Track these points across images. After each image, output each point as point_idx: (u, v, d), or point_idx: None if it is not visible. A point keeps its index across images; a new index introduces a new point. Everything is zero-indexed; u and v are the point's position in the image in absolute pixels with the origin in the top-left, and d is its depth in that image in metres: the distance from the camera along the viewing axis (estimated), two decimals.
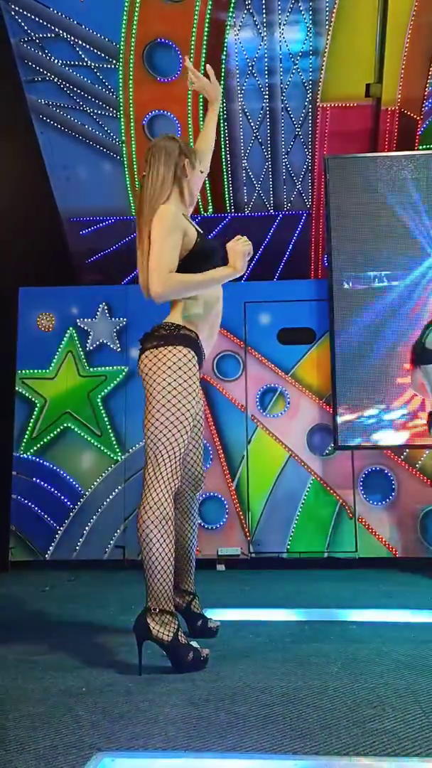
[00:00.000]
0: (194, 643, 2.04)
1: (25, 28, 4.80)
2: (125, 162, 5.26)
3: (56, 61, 4.93)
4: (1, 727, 1.53)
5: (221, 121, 5.17)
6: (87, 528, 4.68)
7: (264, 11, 4.81)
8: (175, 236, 2.11)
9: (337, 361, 4.53)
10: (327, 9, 4.78)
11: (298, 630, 2.57)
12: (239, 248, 2.14)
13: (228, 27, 4.87)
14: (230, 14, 4.82)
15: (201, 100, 5.08)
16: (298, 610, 2.98)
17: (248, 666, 2.03)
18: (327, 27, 4.84)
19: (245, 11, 4.82)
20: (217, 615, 2.90)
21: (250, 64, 5.01)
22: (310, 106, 5.14)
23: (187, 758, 1.36)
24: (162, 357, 2.09)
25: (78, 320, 4.94)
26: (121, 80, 5.01)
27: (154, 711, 1.62)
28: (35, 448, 4.82)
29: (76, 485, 4.76)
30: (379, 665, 2.02)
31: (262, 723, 1.53)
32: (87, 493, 4.73)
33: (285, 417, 4.76)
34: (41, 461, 4.80)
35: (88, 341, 4.91)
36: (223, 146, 5.27)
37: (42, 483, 4.77)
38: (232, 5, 4.79)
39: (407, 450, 4.59)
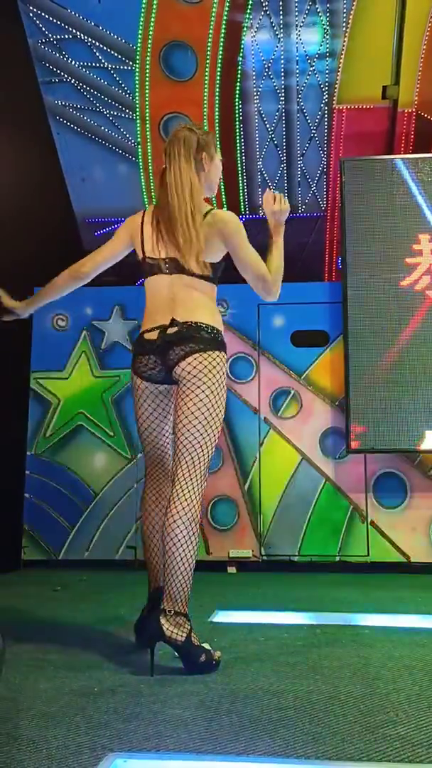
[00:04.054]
0: (206, 645, 2.04)
1: (43, 29, 4.83)
2: (141, 164, 5.28)
3: (73, 62, 4.95)
4: (13, 726, 1.54)
5: (237, 123, 5.17)
6: (99, 528, 4.70)
7: (281, 13, 4.81)
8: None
9: (351, 364, 4.51)
10: (344, 11, 4.77)
11: (310, 634, 2.56)
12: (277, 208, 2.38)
13: (245, 28, 4.87)
14: (247, 16, 4.82)
15: (217, 101, 5.08)
16: (309, 614, 2.97)
17: (260, 669, 2.02)
18: (344, 29, 4.83)
19: (262, 13, 4.82)
20: (228, 617, 2.90)
21: (266, 66, 5.01)
22: (326, 108, 5.13)
23: (199, 760, 1.36)
24: (213, 362, 2.13)
25: (92, 321, 4.96)
26: (137, 82, 5.02)
27: (166, 712, 1.62)
28: (48, 447, 4.84)
29: (89, 485, 4.77)
30: (391, 670, 2.01)
31: (273, 727, 1.52)
32: (99, 493, 4.74)
33: (298, 419, 4.74)
34: (54, 461, 4.82)
35: (102, 342, 4.93)
36: (238, 148, 5.27)
37: (55, 483, 4.79)
38: (249, 7, 4.79)
39: (420, 454, 4.56)
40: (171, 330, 2.17)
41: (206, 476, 2.14)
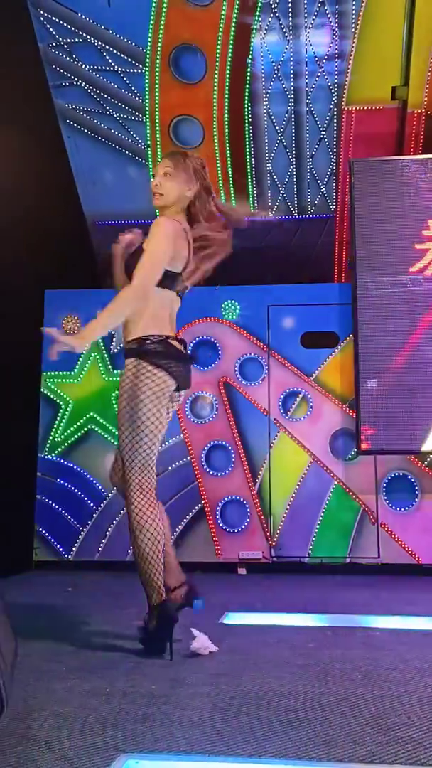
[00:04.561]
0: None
1: (53, 33, 4.85)
2: (150, 166, 5.29)
3: (83, 65, 4.98)
4: (27, 726, 1.55)
5: (246, 125, 5.18)
6: (110, 529, 4.71)
7: (290, 15, 4.81)
8: None
9: (361, 365, 4.50)
10: (353, 12, 4.77)
11: (321, 636, 2.56)
12: None
13: (254, 30, 4.87)
14: (256, 18, 4.83)
15: (227, 103, 5.09)
16: (320, 616, 2.97)
17: (271, 671, 2.03)
18: (353, 30, 4.82)
19: (271, 15, 4.82)
20: (238, 619, 2.91)
21: (275, 68, 5.01)
22: (336, 109, 5.12)
23: (211, 762, 1.36)
24: None
25: None
26: (147, 85, 5.04)
27: (178, 714, 1.63)
28: (59, 449, 4.86)
29: (99, 486, 4.79)
30: (403, 673, 2.01)
31: (285, 728, 1.52)
32: (110, 494, 4.75)
33: (308, 421, 4.74)
34: (65, 462, 4.84)
35: (113, 344, 4.95)
36: (247, 150, 5.28)
37: (66, 484, 4.81)
38: (258, 9, 4.80)
39: (431, 456, 4.54)
40: (183, 347, 2.37)
41: None
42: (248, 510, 4.66)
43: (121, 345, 2.33)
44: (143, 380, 2.23)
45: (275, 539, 4.61)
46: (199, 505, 4.69)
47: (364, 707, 1.68)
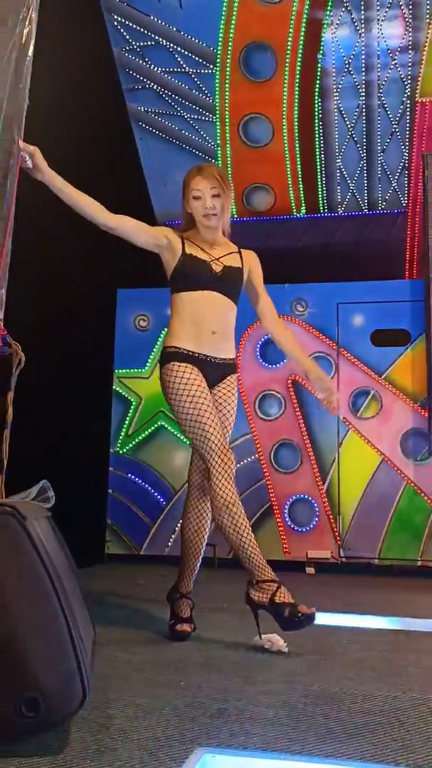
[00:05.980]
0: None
1: (127, 37, 4.95)
2: (220, 165, 5.32)
3: (155, 68, 5.05)
4: (106, 715, 1.59)
5: (316, 121, 5.14)
6: (179, 525, 4.77)
7: (362, 8, 4.74)
8: None
9: None
10: (428, 2, 4.65)
11: (394, 639, 2.53)
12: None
13: (325, 25, 4.83)
14: (327, 12, 4.78)
15: (296, 100, 5.06)
16: (392, 619, 2.92)
17: (344, 672, 2.02)
18: (427, 20, 4.71)
19: (343, 9, 4.76)
20: None
21: (346, 62, 4.95)
22: (408, 101, 5.02)
23: (288, 761, 1.37)
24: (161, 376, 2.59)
25: None
26: (217, 84, 5.06)
27: (252, 710, 1.64)
28: (131, 445, 4.96)
29: (169, 482, 4.86)
30: None
31: (361, 730, 1.51)
32: (179, 490, 4.82)
33: (378, 420, 4.67)
34: (136, 458, 4.94)
35: None
36: (317, 145, 5.23)
37: (137, 479, 4.91)
38: (329, 3, 4.75)
39: None
40: None
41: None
42: (317, 509, 4.63)
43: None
44: None
45: (344, 539, 4.56)
46: (268, 503, 4.69)
47: None
